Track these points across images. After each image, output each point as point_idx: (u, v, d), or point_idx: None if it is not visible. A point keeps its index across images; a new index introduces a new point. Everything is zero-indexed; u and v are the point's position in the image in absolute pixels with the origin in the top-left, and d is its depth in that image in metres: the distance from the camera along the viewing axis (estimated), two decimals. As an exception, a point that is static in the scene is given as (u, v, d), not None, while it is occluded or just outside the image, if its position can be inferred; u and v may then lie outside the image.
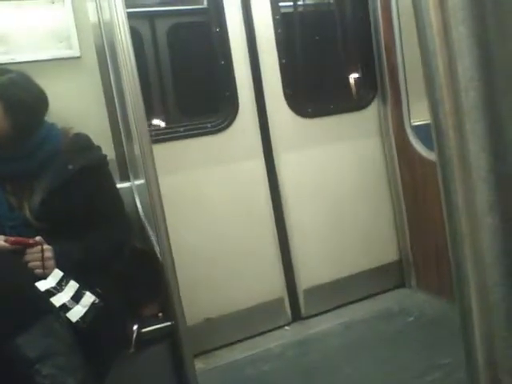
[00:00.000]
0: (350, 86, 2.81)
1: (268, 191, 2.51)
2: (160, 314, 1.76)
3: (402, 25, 2.50)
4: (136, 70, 1.53)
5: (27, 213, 1.61)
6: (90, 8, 2.08)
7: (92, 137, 1.78)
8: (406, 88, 2.57)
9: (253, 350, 2.29)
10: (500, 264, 0.47)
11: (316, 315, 2.56)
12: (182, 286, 1.59)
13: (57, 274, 1.44)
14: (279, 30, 2.49)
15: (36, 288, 1.37)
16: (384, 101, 2.69)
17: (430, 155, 2.43)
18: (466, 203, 0.48)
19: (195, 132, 2.37)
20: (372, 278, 2.69)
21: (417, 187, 2.58)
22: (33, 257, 1.48)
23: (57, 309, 1.35)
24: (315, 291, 2.58)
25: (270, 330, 2.47)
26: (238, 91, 2.41)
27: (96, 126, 2.04)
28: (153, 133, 2.15)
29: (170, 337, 1.70)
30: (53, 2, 2.01)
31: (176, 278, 1.57)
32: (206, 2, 2.43)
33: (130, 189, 2.08)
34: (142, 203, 1.99)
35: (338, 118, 2.66)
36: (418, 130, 2.57)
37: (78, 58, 2.07)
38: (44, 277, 1.44)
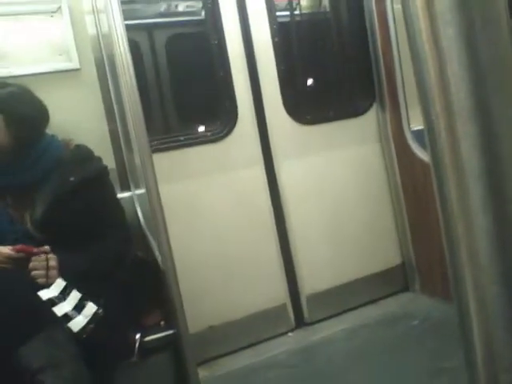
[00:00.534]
0: (349, 92, 2.83)
1: (269, 198, 2.52)
2: (162, 323, 1.76)
3: (398, 30, 2.53)
4: (135, 81, 1.55)
5: (29, 225, 1.62)
6: (89, 20, 2.11)
7: (92, 147, 1.80)
8: (404, 93, 2.59)
9: (256, 357, 2.28)
10: (495, 263, 0.48)
11: (319, 321, 2.55)
12: (184, 294, 1.60)
13: (60, 283, 1.45)
14: (276, 39, 2.51)
15: (39, 298, 1.37)
16: (382, 106, 2.70)
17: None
18: (460, 203, 0.49)
19: (195, 141, 2.38)
20: (375, 282, 2.69)
21: (418, 191, 2.58)
22: (37, 265, 1.49)
23: (60, 319, 1.36)
24: (318, 297, 2.57)
25: (273, 337, 2.46)
26: (237, 99, 2.43)
27: (96, 137, 2.05)
28: (153, 142, 2.16)
29: (173, 345, 1.69)
30: (52, 16, 2.04)
31: (178, 286, 1.57)
32: (203, 14, 2.46)
33: (130, 198, 2.09)
34: (142, 212, 1.99)
35: (337, 125, 2.67)
36: (417, 134, 2.57)
37: (78, 70, 2.09)
38: (47, 286, 1.45)
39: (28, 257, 1.49)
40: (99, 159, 1.79)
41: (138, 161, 1.61)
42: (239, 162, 2.46)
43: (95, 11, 2.08)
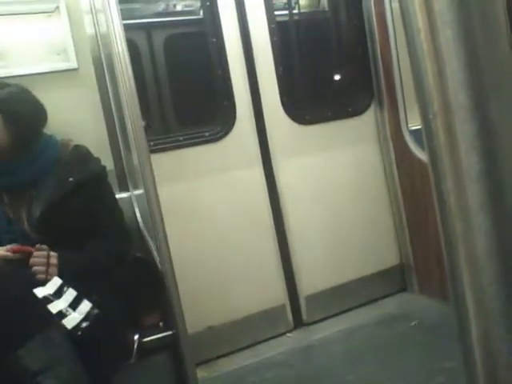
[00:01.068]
0: (347, 92, 2.83)
1: (267, 198, 2.52)
2: (161, 323, 1.76)
3: (396, 30, 2.53)
4: (133, 81, 1.55)
5: (26, 225, 1.62)
6: (87, 20, 2.11)
7: (90, 148, 1.79)
8: (403, 93, 2.59)
9: (255, 358, 2.28)
10: (493, 262, 0.48)
11: (318, 321, 2.55)
12: (183, 294, 1.60)
13: (56, 281, 1.45)
14: (275, 39, 2.51)
15: (37, 299, 1.37)
16: (381, 106, 2.70)
17: (428, 159, 2.43)
18: (458, 203, 0.49)
19: (193, 141, 2.38)
20: (373, 283, 2.69)
21: (416, 191, 2.58)
22: (38, 261, 1.49)
23: (58, 319, 1.35)
24: (317, 297, 2.57)
25: (272, 337, 2.46)
26: (236, 99, 2.43)
27: (94, 137, 2.05)
28: (151, 142, 2.16)
29: (172, 346, 1.69)
30: (50, 15, 2.04)
31: (176, 286, 1.57)
32: (201, 13, 2.46)
33: (129, 199, 2.09)
34: (141, 213, 1.99)
35: (336, 125, 2.67)
36: (415, 134, 2.57)
37: (76, 70, 2.08)
38: (43, 283, 1.44)
39: (26, 257, 1.49)
40: (98, 160, 1.78)
41: (136, 161, 1.61)
42: (238, 162, 2.46)
43: (93, 11, 2.08)
